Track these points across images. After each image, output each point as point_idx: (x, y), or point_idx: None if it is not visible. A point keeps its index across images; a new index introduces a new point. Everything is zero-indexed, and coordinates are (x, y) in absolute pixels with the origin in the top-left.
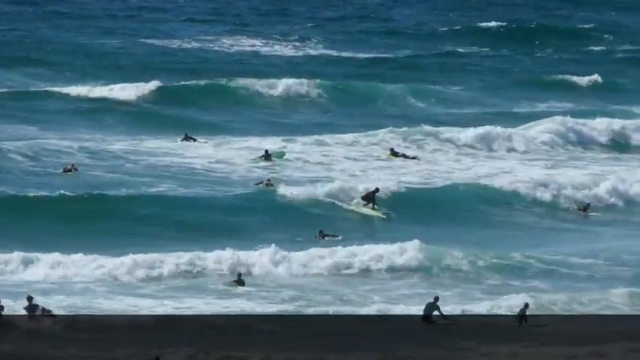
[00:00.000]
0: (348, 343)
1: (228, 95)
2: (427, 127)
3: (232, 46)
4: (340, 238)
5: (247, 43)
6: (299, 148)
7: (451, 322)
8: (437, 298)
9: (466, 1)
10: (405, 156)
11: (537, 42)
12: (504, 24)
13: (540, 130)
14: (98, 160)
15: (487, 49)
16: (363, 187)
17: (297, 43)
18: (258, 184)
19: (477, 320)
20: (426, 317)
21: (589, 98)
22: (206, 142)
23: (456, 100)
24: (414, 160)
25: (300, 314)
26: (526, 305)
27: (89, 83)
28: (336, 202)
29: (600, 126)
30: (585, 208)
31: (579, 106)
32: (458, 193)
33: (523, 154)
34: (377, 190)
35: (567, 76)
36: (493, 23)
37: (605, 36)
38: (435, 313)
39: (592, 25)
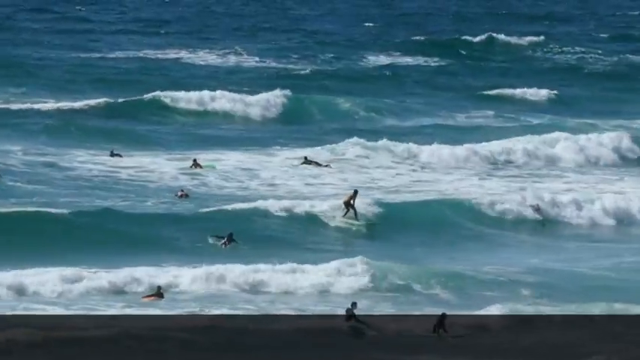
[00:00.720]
0: (269, 356)
1: (160, 109)
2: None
3: (160, 57)
4: (246, 247)
5: (175, 54)
6: (231, 160)
7: (366, 325)
8: (354, 304)
9: (387, 12)
10: (317, 164)
11: (477, 54)
12: (444, 38)
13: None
14: (21, 170)
15: (423, 62)
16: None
17: (226, 50)
18: (177, 194)
19: (396, 331)
20: (349, 317)
21: (535, 110)
22: (132, 157)
23: (396, 113)
24: (327, 168)
25: (217, 326)
26: (443, 315)
27: (15, 95)
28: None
29: (558, 140)
30: (537, 208)
31: (520, 118)
32: (427, 208)
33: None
34: (356, 192)
35: (507, 90)
36: (427, 37)
37: (546, 42)
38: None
39: (525, 37)
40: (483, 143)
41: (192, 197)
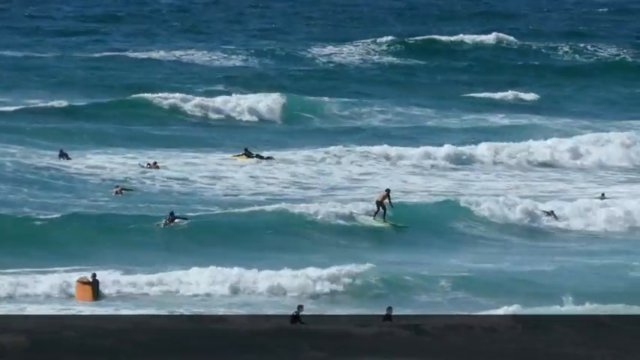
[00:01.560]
0: (209, 357)
1: (122, 109)
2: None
3: (107, 54)
4: (187, 222)
5: (121, 53)
6: (182, 159)
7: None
8: (300, 307)
9: (331, 9)
10: (259, 156)
11: (444, 56)
12: (397, 38)
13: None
14: None
15: (371, 60)
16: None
17: (172, 48)
18: (112, 191)
19: (339, 332)
20: (294, 318)
21: (499, 112)
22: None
23: (351, 111)
24: (271, 161)
25: (161, 329)
26: (389, 308)
27: None
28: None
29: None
30: (550, 212)
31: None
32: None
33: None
34: (389, 191)
35: (477, 93)
36: (385, 38)
37: (499, 40)
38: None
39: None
40: (446, 144)
41: (137, 195)
